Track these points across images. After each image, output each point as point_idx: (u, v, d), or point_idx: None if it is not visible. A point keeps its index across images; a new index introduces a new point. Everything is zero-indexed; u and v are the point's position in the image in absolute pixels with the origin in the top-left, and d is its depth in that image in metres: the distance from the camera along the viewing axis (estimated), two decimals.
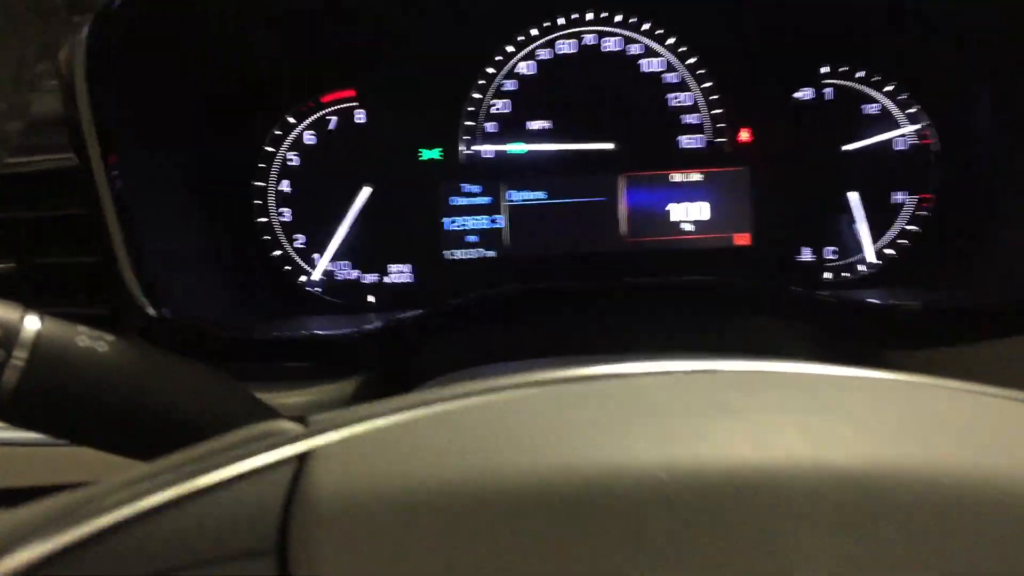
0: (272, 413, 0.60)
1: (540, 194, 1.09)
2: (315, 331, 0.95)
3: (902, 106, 1.08)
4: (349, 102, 1.09)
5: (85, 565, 0.33)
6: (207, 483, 0.36)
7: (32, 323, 0.53)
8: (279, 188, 1.10)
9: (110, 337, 0.56)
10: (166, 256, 0.88)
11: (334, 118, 1.09)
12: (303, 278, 1.11)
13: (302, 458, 0.36)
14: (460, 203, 1.10)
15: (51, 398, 0.53)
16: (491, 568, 0.31)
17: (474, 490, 0.33)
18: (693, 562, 0.31)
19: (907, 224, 1.09)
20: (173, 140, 0.96)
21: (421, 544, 0.32)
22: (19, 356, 0.52)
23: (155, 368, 0.56)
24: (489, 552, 0.31)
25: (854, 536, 0.31)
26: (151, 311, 0.83)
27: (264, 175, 1.09)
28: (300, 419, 0.42)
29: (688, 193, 1.09)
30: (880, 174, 1.08)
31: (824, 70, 1.08)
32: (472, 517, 0.32)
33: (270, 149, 1.09)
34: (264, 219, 1.10)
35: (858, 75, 1.08)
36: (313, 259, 1.10)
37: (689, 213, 1.09)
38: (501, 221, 1.10)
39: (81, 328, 0.55)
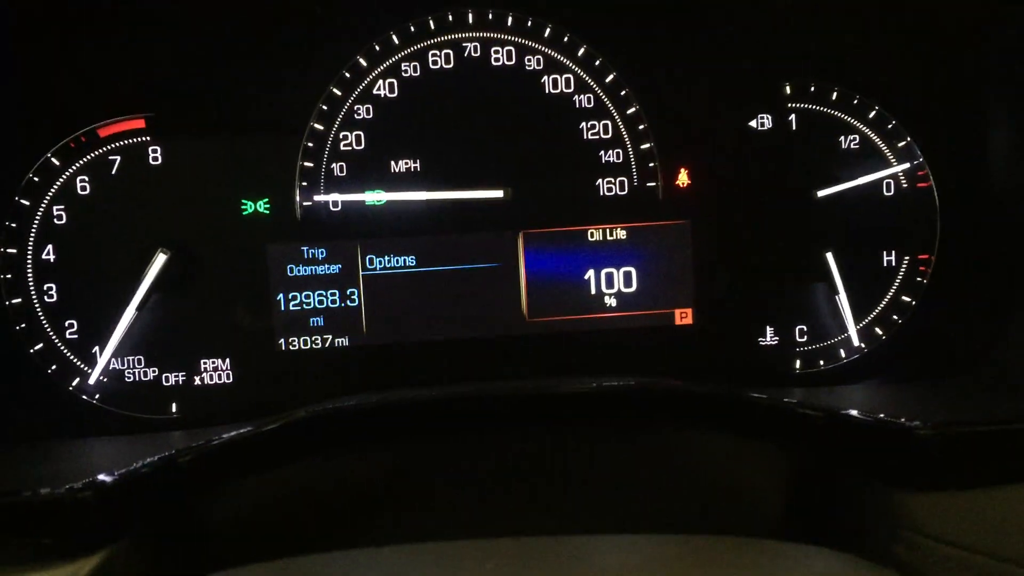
0: None
1: (409, 259, 0.88)
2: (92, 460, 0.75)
3: (889, 138, 0.90)
4: (139, 135, 0.86)
5: None
6: None
7: None
8: (40, 256, 0.85)
9: None
10: None
11: (117, 158, 0.86)
12: (77, 381, 0.87)
13: None
14: (300, 272, 0.87)
15: None
16: None
17: None
18: None
19: (901, 294, 0.91)
20: None
21: None
22: None
23: None
24: None
25: None
26: None
27: (18, 238, 0.85)
28: None
29: (610, 256, 0.90)
30: (864, 229, 0.91)
31: (787, 90, 0.89)
32: None
33: (25, 202, 0.85)
34: (18, 300, 0.85)
35: (833, 96, 0.89)
36: (92, 354, 0.86)
37: (612, 283, 0.90)
38: (356, 297, 0.88)
39: None
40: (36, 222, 0.86)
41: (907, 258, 0.91)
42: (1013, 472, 0.66)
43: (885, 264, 0.92)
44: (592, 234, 0.90)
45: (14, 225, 0.85)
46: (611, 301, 0.90)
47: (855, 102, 0.91)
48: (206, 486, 0.71)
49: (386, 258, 0.88)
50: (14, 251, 0.85)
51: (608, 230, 0.90)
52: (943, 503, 0.65)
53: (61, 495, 0.65)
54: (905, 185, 0.91)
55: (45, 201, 0.86)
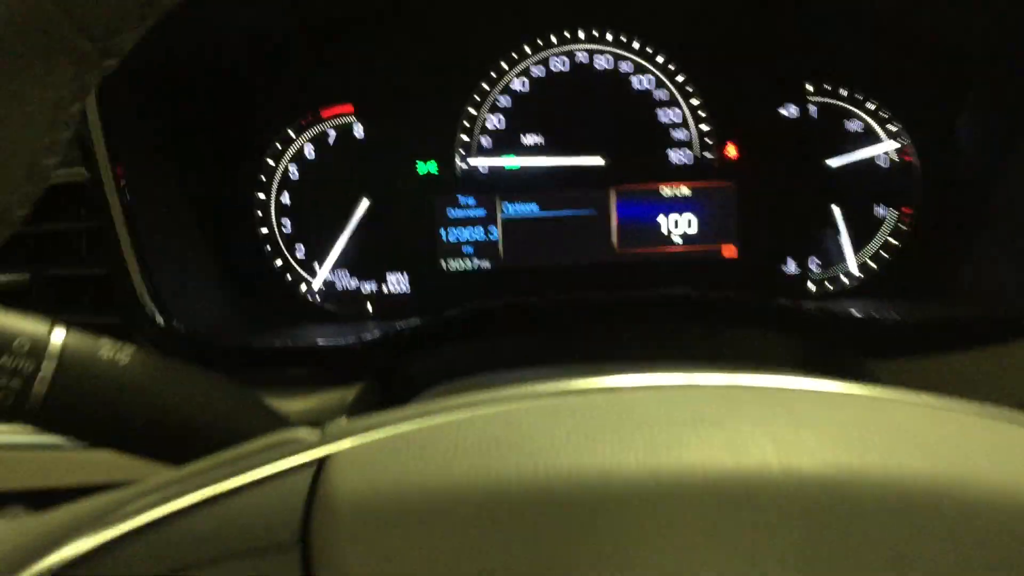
0: (283, 421, 0.63)
1: (533, 207, 1.13)
2: (316, 340, 0.99)
3: (884, 123, 1.12)
4: (347, 116, 1.12)
5: (125, 559, 0.37)
6: (234, 485, 0.39)
7: (58, 335, 0.56)
8: (279, 200, 1.13)
9: (130, 348, 0.59)
10: (173, 267, 0.92)
11: (333, 132, 1.12)
12: (303, 287, 1.14)
13: (321, 462, 0.39)
14: (456, 215, 1.13)
15: (77, 406, 0.56)
16: (494, 562, 0.34)
17: (480, 492, 0.36)
18: (676, 554, 0.34)
19: (889, 237, 1.13)
20: (178, 154, 0.99)
21: (433, 541, 0.35)
22: (47, 367, 0.55)
23: (174, 378, 0.59)
24: (492, 548, 0.35)
25: (819, 534, 0.34)
26: (160, 321, 0.86)
27: (265, 187, 1.12)
28: (317, 426, 0.45)
29: (677, 206, 1.13)
30: (863, 189, 1.12)
31: (809, 87, 1.12)
32: (478, 516, 0.35)
33: (271, 162, 1.12)
34: (265, 230, 1.13)
35: (841, 92, 1.12)
36: (313, 268, 1.13)
37: (678, 225, 1.13)
38: (496, 233, 1.13)
39: (103, 340, 0.58)
40: (277, 176, 1.11)
41: (895, 211, 1.11)
42: (948, 345, 0.89)
43: (877, 215, 1.11)
44: (664, 191, 1.12)
45: (263, 178, 1.11)
46: (677, 238, 1.12)
47: (859, 97, 1.10)
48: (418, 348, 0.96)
49: (517, 206, 1.12)
50: (263, 196, 1.12)
51: (676, 188, 1.11)
52: (903, 365, 0.91)
53: (343, 344, 0.92)
54: (894, 158, 1.11)
55: (284, 161, 1.11)
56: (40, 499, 0.43)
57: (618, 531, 0.35)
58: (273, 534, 0.37)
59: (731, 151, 1.12)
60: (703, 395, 0.43)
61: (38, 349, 0.55)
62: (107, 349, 0.58)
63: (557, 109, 1.12)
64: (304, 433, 0.45)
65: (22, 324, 0.56)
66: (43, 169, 0.38)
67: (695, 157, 1.13)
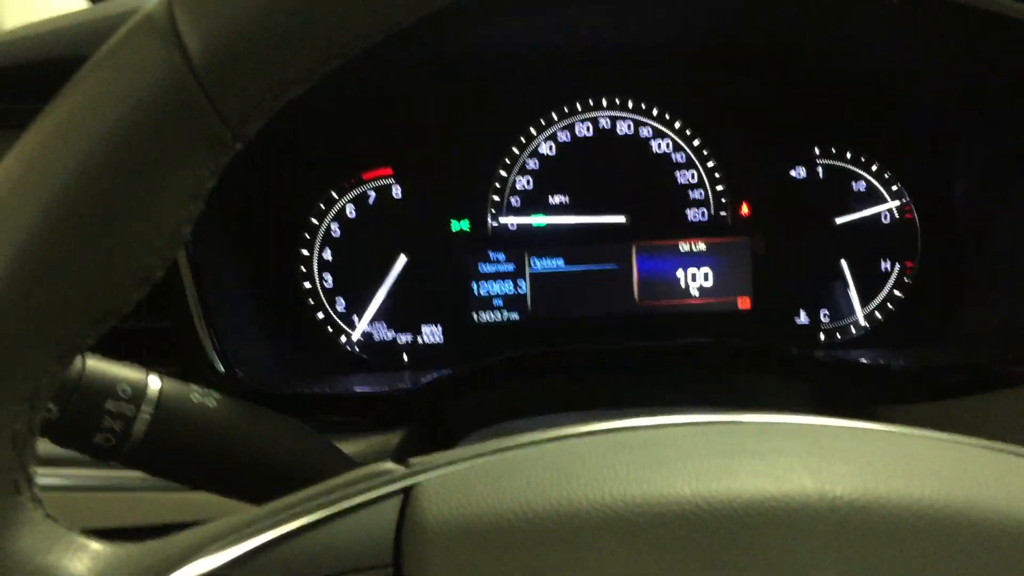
0: (352, 462, 0.69)
1: (559, 261, 1.20)
2: (353, 388, 1.06)
3: (886, 183, 1.19)
4: (387, 179, 1.20)
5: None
6: (330, 512, 0.44)
7: (155, 382, 0.63)
8: (322, 256, 1.19)
9: (217, 395, 0.65)
10: (230, 319, 0.98)
11: (373, 193, 1.19)
12: (344, 338, 1.20)
13: (408, 491, 0.45)
14: (487, 270, 1.20)
15: (171, 446, 0.62)
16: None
17: (554, 517, 0.42)
18: (729, 571, 0.40)
19: (894, 289, 1.19)
20: (235, 214, 1.07)
21: (515, 562, 0.41)
22: (146, 411, 0.61)
23: (256, 420, 0.65)
24: (565, 569, 0.40)
25: (850, 552, 0.40)
26: (221, 369, 0.92)
27: (308, 244, 1.19)
28: (401, 461, 0.51)
29: (694, 260, 1.19)
30: (868, 244, 1.19)
31: (816, 151, 1.20)
32: (554, 540, 0.41)
33: (314, 221, 1.19)
34: (308, 284, 1.19)
35: (846, 155, 1.19)
36: (353, 321, 1.20)
37: (695, 279, 1.19)
38: (524, 287, 1.20)
39: (193, 386, 0.65)
40: (320, 234, 1.18)
41: (898, 265, 1.18)
42: (953, 390, 0.96)
43: (883, 269, 1.18)
44: (682, 246, 1.18)
45: (307, 236, 1.18)
46: (695, 291, 1.18)
47: (862, 159, 1.18)
48: (451, 395, 1.04)
49: (544, 261, 1.19)
50: (307, 253, 1.18)
51: (693, 243, 1.18)
52: (910, 410, 0.97)
53: (384, 392, 1.00)
54: (896, 216, 1.18)
55: (327, 220, 1.18)
56: (123, 538, 0.48)
57: (676, 551, 0.40)
58: (368, 556, 0.43)
59: (744, 209, 1.20)
60: (741, 430, 0.49)
61: (139, 394, 0.62)
62: (197, 394, 0.64)
63: (582, 171, 1.19)
64: (391, 466, 0.51)
65: (123, 372, 0.63)
66: (182, 236, 0.45)
67: (711, 215, 1.20)
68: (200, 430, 0.63)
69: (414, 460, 0.49)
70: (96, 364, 0.62)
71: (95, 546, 0.45)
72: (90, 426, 0.60)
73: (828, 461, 0.45)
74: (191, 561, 0.44)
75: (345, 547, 0.43)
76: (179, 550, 0.45)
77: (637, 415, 0.50)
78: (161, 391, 0.62)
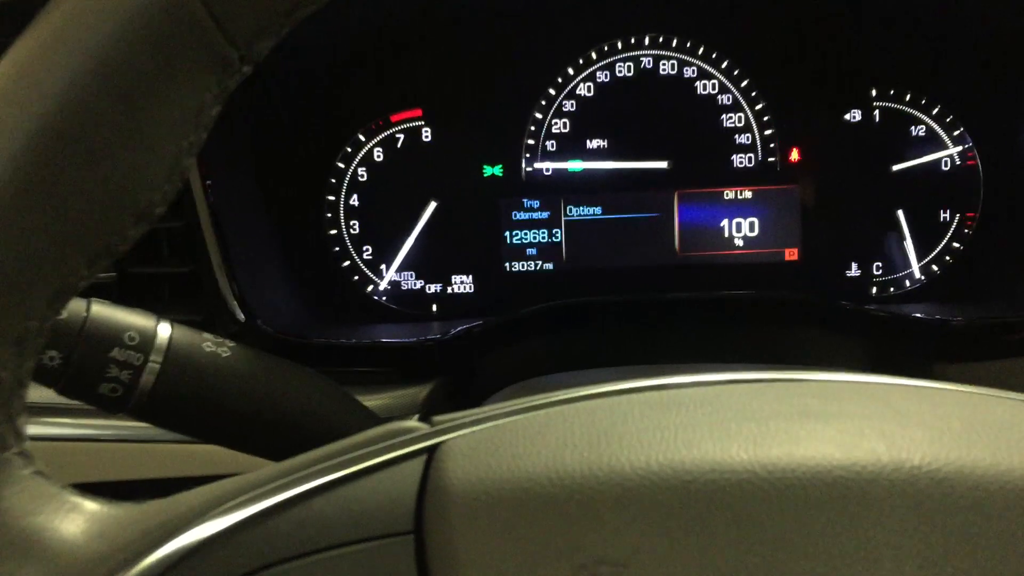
0: (376, 417, 0.65)
1: (596, 209, 1.15)
2: (383, 339, 1.02)
3: (948, 128, 1.12)
4: (416, 121, 1.15)
5: (247, 544, 0.39)
6: (350, 471, 0.41)
7: (164, 330, 0.59)
8: (349, 202, 1.15)
9: (231, 344, 0.61)
10: (251, 267, 0.95)
11: (402, 136, 1.15)
12: (370, 288, 1.17)
13: (432, 451, 0.41)
14: (521, 218, 1.15)
15: (181, 398, 0.59)
16: (604, 552, 0.36)
17: (592, 483, 0.38)
18: (789, 549, 0.36)
19: (952, 241, 1.13)
20: (257, 158, 1.03)
21: (545, 530, 0.37)
22: (155, 359, 0.58)
23: (273, 371, 0.61)
24: (602, 539, 0.36)
25: (931, 527, 0.36)
26: (241, 318, 0.89)
27: (335, 190, 1.15)
28: (426, 419, 0.47)
29: (739, 210, 1.14)
30: (926, 193, 1.12)
31: (872, 92, 1.13)
32: (590, 507, 0.37)
33: (341, 165, 1.15)
34: (334, 231, 1.16)
35: (905, 97, 1.12)
36: (380, 270, 1.16)
37: (740, 229, 1.14)
38: (559, 235, 1.15)
39: (206, 335, 0.61)
40: (347, 179, 1.14)
41: (958, 215, 1.11)
42: (1013, 348, 0.91)
43: (941, 220, 1.12)
44: (727, 194, 1.13)
45: (334, 181, 1.13)
46: (739, 242, 1.13)
47: (923, 102, 1.11)
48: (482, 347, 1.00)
49: (580, 208, 1.14)
50: (333, 198, 1.14)
51: (739, 191, 1.12)
52: (968, 368, 0.93)
53: (411, 343, 0.95)
54: (958, 162, 1.11)
55: (353, 164, 1.14)
56: (130, 492, 0.45)
57: (730, 524, 0.36)
58: (388, 521, 0.39)
59: (794, 155, 1.13)
60: (803, 390, 0.44)
61: (147, 342, 0.58)
62: (210, 343, 0.60)
63: (622, 114, 1.14)
64: (414, 424, 0.47)
65: (131, 318, 0.59)
66: (183, 168, 0.41)
67: (758, 161, 1.14)
68: (212, 381, 0.59)
69: (439, 418, 0.45)
70: (102, 309, 0.58)
71: (90, 506, 0.42)
72: (95, 375, 0.56)
73: (903, 425, 0.40)
74: (194, 525, 0.40)
75: (363, 512, 0.40)
76: (182, 511, 0.41)
77: (683, 372, 0.46)
78: (171, 339, 0.59)
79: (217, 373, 0.59)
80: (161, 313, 0.64)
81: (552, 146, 1.15)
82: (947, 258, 1.14)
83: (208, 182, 0.89)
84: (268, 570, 0.38)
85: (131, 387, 0.58)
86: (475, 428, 0.43)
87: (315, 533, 0.40)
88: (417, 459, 0.42)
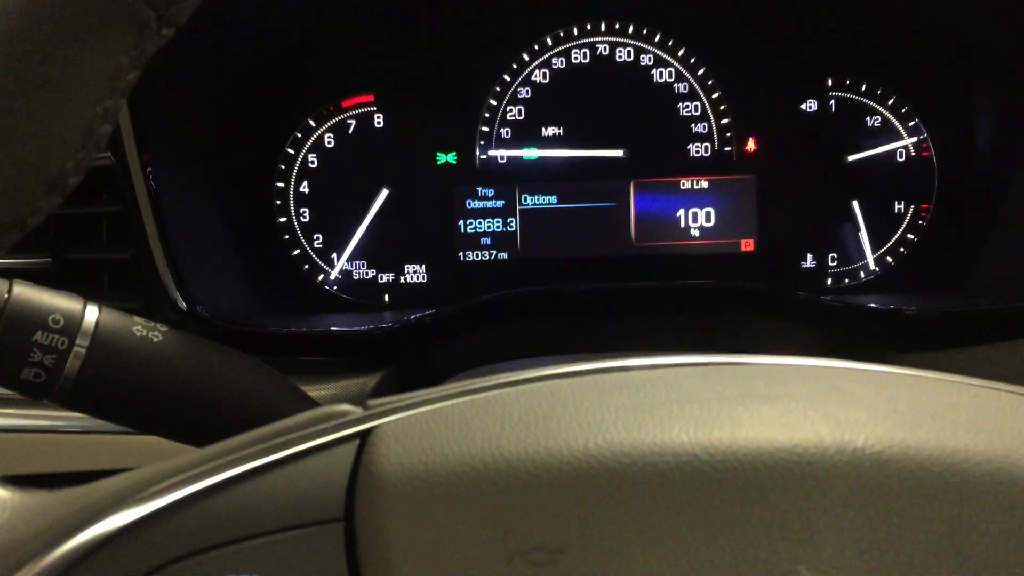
0: (314, 404, 0.63)
1: (552, 198, 1.13)
2: (333, 328, 0.99)
3: (903, 119, 1.12)
4: (369, 107, 1.12)
5: (168, 532, 0.36)
6: (279, 457, 0.39)
7: (92, 313, 0.56)
8: (299, 189, 1.13)
9: (163, 328, 0.59)
10: (195, 253, 0.92)
11: (354, 122, 1.12)
12: (321, 277, 1.14)
13: (365, 436, 0.39)
14: (475, 206, 1.13)
15: (109, 384, 0.56)
16: (541, 538, 0.34)
17: (529, 467, 0.36)
18: (730, 532, 0.34)
19: (907, 233, 1.13)
20: (202, 142, 1.00)
21: (480, 516, 0.35)
22: (81, 344, 0.55)
23: (206, 357, 0.59)
24: (539, 524, 0.35)
25: (874, 509, 0.34)
26: (183, 305, 0.86)
27: (284, 176, 1.12)
28: (359, 403, 0.45)
29: (696, 199, 1.13)
30: (881, 185, 1.12)
31: (829, 82, 1.12)
32: (526, 492, 0.35)
33: (291, 151, 1.12)
34: (284, 219, 1.13)
35: (861, 87, 1.12)
36: (331, 258, 1.14)
37: (696, 219, 1.13)
38: (514, 224, 1.14)
39: (136, 319, 0.58)
40: (297, 165, 1.11)
41: (912, 206, 1.12)
42: (965, 338, 0.90)
43: (896, 211, 1.12)
44: (683, 184, 1.12)
45: (283, 167, 1.11)
46: (695, 232, 1.12)
47: (879, 92, 1.10)
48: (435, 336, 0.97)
49: (535, 197, 1.12)
50: (282, 185, 1.11)
51: (695, 181, 1.12)
52: (921, 358, 0.92)
53: (361, 332, 0.92)
54: (913, 154, 1.11)
55: (304, 150, 1.11)
56: (69, 483, 0.43)
57: (670, 509, 0.35)
58: (317, 508, 0.37)
59: (750, 145, 1.13)
60: (748, 373, 0.43)
61: (72, 325, 0.55)
62: (140, 327, 0.58)
63: (577, 101, 1.12)
64: (347, 408, 0.45)
65: (56, 300, 0.57)
66: (98, 137, 0.38)
67: (714, 151, 1.13)
68: (142, 366, 0.56)
69: (373, 401, 0.43)
70: (24, 291, 0.55)
71: (1, 493, 0.40)
72: (16, 359, 0.53)
73: (847, 407, 0.38)
74: (111, 513, 0.38)
75: (291, 498, 0.37)
76: (99, 499, 0.39)
77: (629, 357, 0.44)
78: (98, 322, 0.56)
79: (147, 358, 0.57)
80: (101, 301, 0.61)
81: (507, 133, 1.13)
82: (901, 249, 1.13)
83: (148, 166, 0.85)
84: (189, 559, 0.36)
85: (56, 372, 0.55)
86: (410, 412, 0.41)
87: (241, 520, 0.37)
88: (349, 444, 0.40)
